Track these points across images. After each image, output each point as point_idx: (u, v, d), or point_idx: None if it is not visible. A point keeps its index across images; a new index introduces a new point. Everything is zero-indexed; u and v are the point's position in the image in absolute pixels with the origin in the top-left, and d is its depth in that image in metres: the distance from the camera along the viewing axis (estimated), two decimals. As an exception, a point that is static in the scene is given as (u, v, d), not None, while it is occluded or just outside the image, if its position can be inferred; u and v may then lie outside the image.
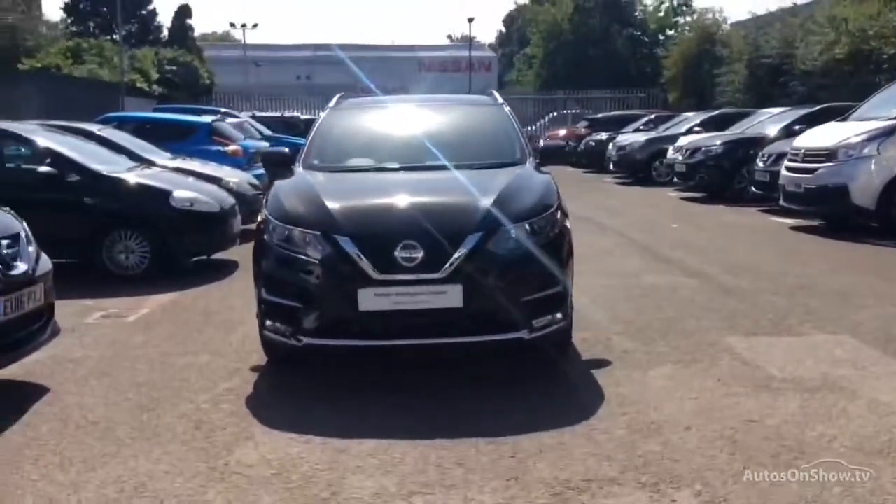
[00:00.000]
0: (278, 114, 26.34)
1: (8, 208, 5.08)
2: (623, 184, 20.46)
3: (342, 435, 4.03)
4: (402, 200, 4.89)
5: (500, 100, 6.54)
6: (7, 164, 8.84)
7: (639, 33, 44.93)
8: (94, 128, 11.75)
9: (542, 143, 6.52)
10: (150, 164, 10.10)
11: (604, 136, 24.72)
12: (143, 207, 8.42)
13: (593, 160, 24.68)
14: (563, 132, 30.25)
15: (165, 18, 49.15)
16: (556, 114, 36.29)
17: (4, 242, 4.46)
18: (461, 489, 3.44)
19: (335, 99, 6.65)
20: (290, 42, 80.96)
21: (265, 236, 4.87)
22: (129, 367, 5.29)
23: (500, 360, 5.17)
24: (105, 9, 33.57)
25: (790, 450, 3.80)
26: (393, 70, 69.14)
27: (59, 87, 25.17)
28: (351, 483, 3.51)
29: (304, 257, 4.65)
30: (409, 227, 4.59)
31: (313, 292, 4.62)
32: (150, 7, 47.91)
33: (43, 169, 8.26)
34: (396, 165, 5.67)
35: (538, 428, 4.08)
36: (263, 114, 24.23)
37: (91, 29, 42.86)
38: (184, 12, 48.57)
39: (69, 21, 43.06)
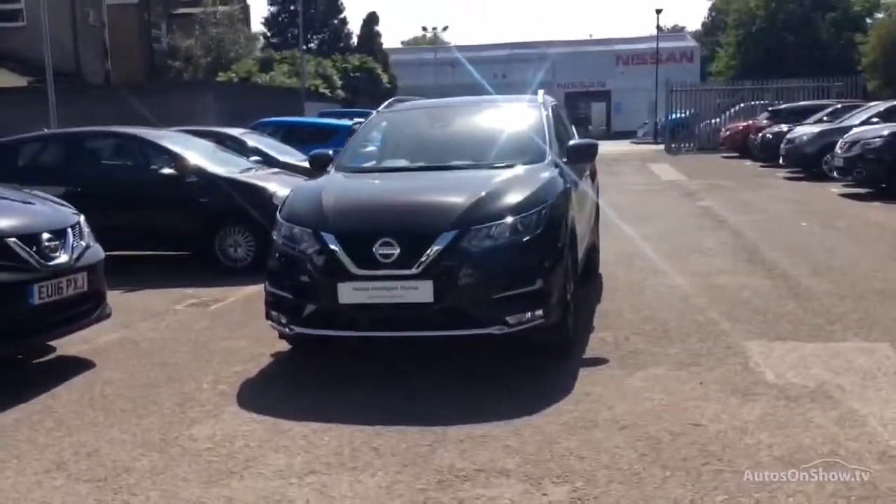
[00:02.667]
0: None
1: (68, 204, 5.82)
2: (792, 179, 19.29)
3: (300, 418, 4.35)
4: (387, 200, 5.17)
5: (541, 100, 6.59)
6: (151, 167, 9.84)
7: (843, 17, 41.80)
8: (237, 132, 12.85)
9: (585, 141, 6.46)
10: (272, 165, 10.93)
11: (784, 127, 23.39)
12: (249, 205, 9.15)
13: (769, 154, 23.37)
14: (743, 124, 28.94)
15: (356, 27, 52.04)
16: (742, 105, 34.57)
17: (46, 236, 5.16)
18: (357, 472, 3.67)
19: (387, 102, 7.00)
20: (487, 42, 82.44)
21: (273, 234, 5.30)
22: (173, 350, 5.91)
23: (496, 353, 5.29)
24: (300, 20, 36.23)
25: (707, 455, 3.71)
26: (589, 65, 68.63)
27: (245, 95, 27.34)
28: (266, 460, 3.83)
29: (297, 253, 5.03)
30: (387, 224, 4.86)
31: (302, 285, 4.99)
32: (341, 16, 50.90)
33: (165, 171, 9.22)
34: (415, 166, 5.94)
35: (481, 419, 4.22)
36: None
37: (288, 39, 46.16)
38: (371, 20, 50.95)
39: (269, 33, 46.61)
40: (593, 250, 7.64)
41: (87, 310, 5.49)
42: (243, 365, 5.44)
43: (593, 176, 7.93)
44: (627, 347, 5.50)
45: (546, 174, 5.55)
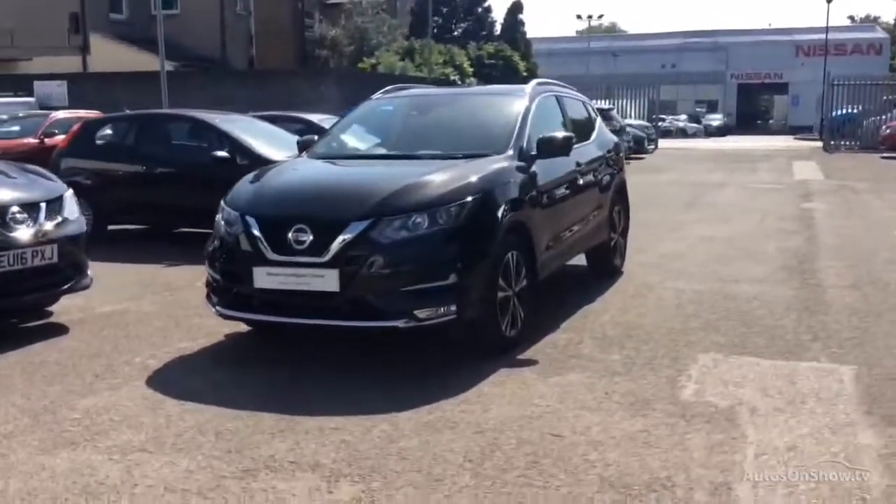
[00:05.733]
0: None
1: (56, 179, 6.18)
2: (938, 183, 17.66)
3: (186, 397, 4.41)
4: (311, 186, 5.18)
5: (528, 91, 6.33)
6: (218, 151, 10.20)
7: None
8: (317, 118, 13.19)
9: (557, 134, 6.15)
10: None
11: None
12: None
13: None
14: (903, 123, 26.71)
15: (501, 16, 51.59)
16: (911, 102, 31.84)
17: (14, 209, 5.51)
18: (181, 454, 3.69)
19: (386, 88, 6.96)
20: (654, 31, 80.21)
21: (217, 216, 5.42)
22: (148, 323, 6.14)
23: (430, 346, 5.20)
24: (444, 9, 36.37)
25: (532, 467, 3.51)
26: (765, 55, 65.15)
27: (371, 83, 27.88)
28: (113, 434, 3.93)
29: (228, 236, 5.12)
30: (302, 211, 4.87)
31: (228, 267, 5.09)
32: (486, 5, 50.68)
33: (219, 153, 9.58)
34: (378, 154, 5.91)
35: (351, 411, 4.15)
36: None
37: (432, 29, 46.63)
38: (516, 9, 50.49)
39: (416, 21, 47.25)
40: (606, 248, 7.30)
41: (57, 280, 5.82)
42: (191, 342, 5.60)
43: (615, 172, 7.57)
44: (571, 351, 5.24)
45: (495, 166, 5.35)
